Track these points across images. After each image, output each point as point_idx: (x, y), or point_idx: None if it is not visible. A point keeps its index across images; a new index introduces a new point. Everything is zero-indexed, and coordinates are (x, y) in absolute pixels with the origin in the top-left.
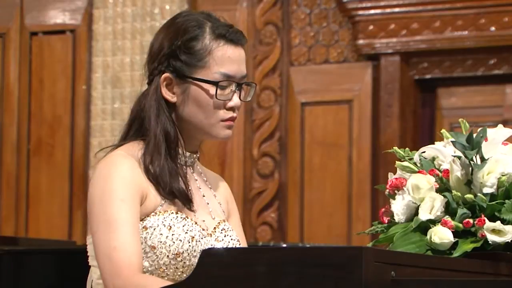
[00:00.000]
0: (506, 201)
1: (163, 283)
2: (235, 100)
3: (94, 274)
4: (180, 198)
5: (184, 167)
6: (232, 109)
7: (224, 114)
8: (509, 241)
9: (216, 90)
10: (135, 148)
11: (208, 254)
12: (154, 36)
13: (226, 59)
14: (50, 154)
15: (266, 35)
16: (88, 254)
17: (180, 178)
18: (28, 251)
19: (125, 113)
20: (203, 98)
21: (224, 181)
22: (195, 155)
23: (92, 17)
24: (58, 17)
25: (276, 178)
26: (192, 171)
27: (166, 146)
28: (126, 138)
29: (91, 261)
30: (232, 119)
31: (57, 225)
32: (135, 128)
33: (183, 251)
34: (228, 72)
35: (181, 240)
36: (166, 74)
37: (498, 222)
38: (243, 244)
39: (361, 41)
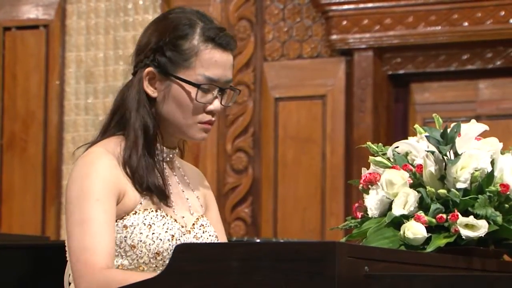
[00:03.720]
0: (479, 196)
1: (126, 275)
2: (215, 105)
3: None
4: (157, 194)
5: (163, 163)
6: (211, 112)
7: (202, 117)
8: (482, 236)
9: (197, 93)
10: (115, 144)
11: (181, 249)
12: (144, 29)
13: (212, 63)
14: (23, 149)
15: (239, 31)
16: (66, 248)
17: (157, 174)
18: (0, 247)
19: (99, 108)
20: (183, 98)
21: (202, 175)
22: (174, 151)
23: (65, 12)
24: (31, 12)
25: (250, 173)
26: (170, 166)
27: (144, 141)
28: (107, 130)
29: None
30: (209, 122)
31: (30, 221)
32: (116, 120)
33: (163, 250)
34: (212, 76)
35: (161, 239)
36: (149, 69)
37: (471, 217)
38: (223, 237)
39: (334, 36)
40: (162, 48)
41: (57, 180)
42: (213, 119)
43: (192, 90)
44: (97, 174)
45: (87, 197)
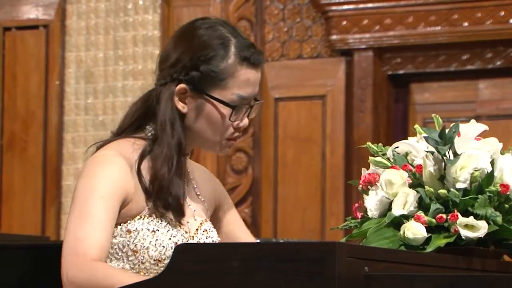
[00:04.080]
0: (479, 196)
1: (115, 271)
2: (245, 121)
3: None
4: (175, 212)
5: None
6: (239, 129)
7: (230, 134)
8: (482, 236)
9: (232, 113)
10: (129, 148)
11: (182, 250)
12: (172, 44)
13: (247, 82)
14: (23, 149)
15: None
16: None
17: (182, 192)
18: (0, 247)
19: (99, 109)
20: (216, 117)
21: (211, 174)
22: (187, 157)
23: (65, 12)
24: (31, 12)
25: (250, 173)
26: None
27: (178, 158)
28: (122, 132)
29: None
30: (236, 138)
31: (30, 221)
32: (136, 126)
33: (165, 258)
34: (245, 95)
35: (164, 247)
36: (182, 85)
37: (471, 218)
38: (243, 229)
39: (334, 37)
40: (196, 66)
41: (57, 180)
42: (240, 134)
43: (226, 111)
44: (106, 174)
45: (92, 193)
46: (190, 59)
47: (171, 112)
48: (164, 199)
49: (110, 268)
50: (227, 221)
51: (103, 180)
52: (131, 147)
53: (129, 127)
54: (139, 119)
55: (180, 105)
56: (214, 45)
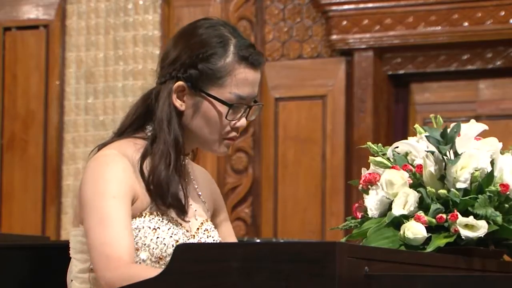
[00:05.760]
0: (479, 196)
1: (149, 271)
2: (242, 121)
3: (74, 267)
4: (176, 209)
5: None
6: (237, 129)
7: (228, 133)
8: (482, 236)
9: (228, 112)
10: (130, 148)
11: (182, 250)
12: (172, 42)
13: (245, 82)
14: (24, 149)
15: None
16: (70, 246)
17: (180, 188)
18: (0, 247)
19: (99, 109)
20: (213, 116)
21: (211, 178)
22: (187, 157)
23: (65, 12)
24: (31, 12)
25: (250, 173)
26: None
27: (175, 155)
28: (123, 133)
29: (73, 254)
30: (234, 138)
31: (30, 221)
32: (137, 126)
33: (166, 255)
34: (242, 95)
35: (165, 244)
36: (180, 82)
37: (471, 217)
38: (233, 239)
39: (334, 37)
40: (194, 64)
41: (57, 180)
42: (237, 134)
43: (223, 109)
44: (112, 174)
45: (104, 196)
46: (188, 56)
47: (168, 110)
48: (164, 196)
49: (146, 269)
50: (220, 231)
51: (111, 180)
52: (133, 146)
53: (129, 127)
54: (140, 118)
55: (178, 103)
56: (213, 43)
